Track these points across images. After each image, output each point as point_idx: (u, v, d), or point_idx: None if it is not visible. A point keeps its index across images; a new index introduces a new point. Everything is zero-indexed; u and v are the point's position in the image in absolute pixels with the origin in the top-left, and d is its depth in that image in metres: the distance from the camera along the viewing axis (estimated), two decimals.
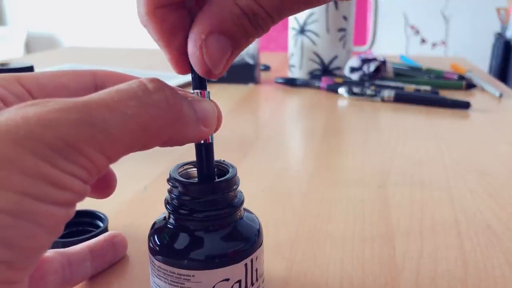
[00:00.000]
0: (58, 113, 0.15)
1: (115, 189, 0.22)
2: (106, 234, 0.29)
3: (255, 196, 0.40)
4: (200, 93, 0.21)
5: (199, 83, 0.21)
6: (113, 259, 0.29)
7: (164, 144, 0.18)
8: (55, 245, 0.29)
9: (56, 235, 0.15)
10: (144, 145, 0.17)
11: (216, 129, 0.21)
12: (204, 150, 0.22)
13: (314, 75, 0.85)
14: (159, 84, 0.18)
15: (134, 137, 0.16)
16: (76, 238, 0.30)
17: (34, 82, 0.20)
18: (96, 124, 0.15)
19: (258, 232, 0.24)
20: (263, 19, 0.18)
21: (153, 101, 0.17)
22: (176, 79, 0.80)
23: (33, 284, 0.23)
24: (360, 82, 0.79)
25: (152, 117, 0.17)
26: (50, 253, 0.25)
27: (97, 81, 0.21)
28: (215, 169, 0.23)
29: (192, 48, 0.19)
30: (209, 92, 0.21)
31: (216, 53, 0.19)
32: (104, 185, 0.22)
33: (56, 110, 0.15)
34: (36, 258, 0.15)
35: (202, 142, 0.21)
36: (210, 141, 0.22)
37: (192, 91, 0.21)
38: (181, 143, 0.19)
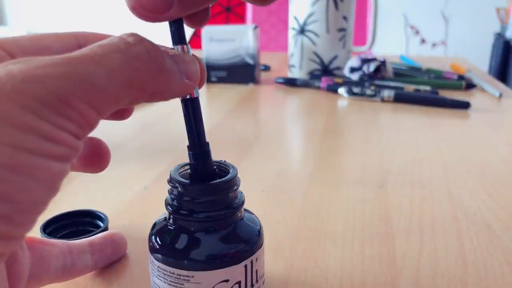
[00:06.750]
0: (44, 68, 0.15)
1: (110, 161, 0.22)
2: (105, 232, 0.29)
3: (255, 196, 0.40)
4: (181, 48, 0.20)
5: (178, 37, 0.20)
6: (113, 255, 0.29)
7: (151, 98, 0.18)
8: None
9: (53, 191, 0.15)
10: (132, 99, 0.17)
11: (201, 84, 0.21)
12: (190, 104, 0.21)
13: (314, 75, 0.85)
14: (138, 37, 0.18)
15: (121, 89, 0.16)
16: (76, 238, 0.30)
17: (16, 45, 0.20)
18: (83, 78, 0.15)
19: (259, 233, 0.24)
20: None
21: (135, 53, 0.17)
22: None
23: (35, 263, 0.23)
24: (360, 82, 0.79)
25: (136, 69, 0.17)
26: (51, 240, 0.25)
27: (80, 41, 0.21)
28: (216, 169, 0.23)
29: None
30: (189, 45, 0.21)
31: None
32: (98, 157, 0.22)
33: (41, 65, 0.15)
34: (34, 215, 0.15)
35: (187, 97, 0.21)
36: (196, 95, 0.21)
37: (172, 47, 0.20)
38: (166, 97, 0.19)
